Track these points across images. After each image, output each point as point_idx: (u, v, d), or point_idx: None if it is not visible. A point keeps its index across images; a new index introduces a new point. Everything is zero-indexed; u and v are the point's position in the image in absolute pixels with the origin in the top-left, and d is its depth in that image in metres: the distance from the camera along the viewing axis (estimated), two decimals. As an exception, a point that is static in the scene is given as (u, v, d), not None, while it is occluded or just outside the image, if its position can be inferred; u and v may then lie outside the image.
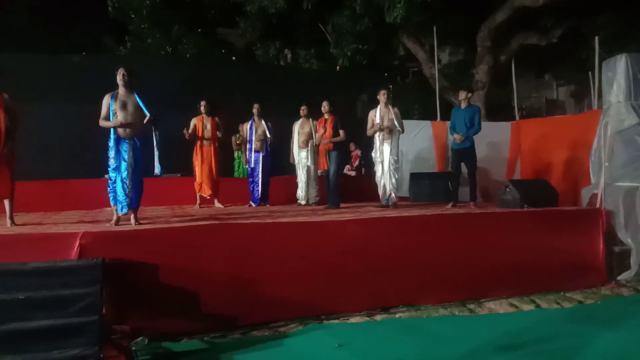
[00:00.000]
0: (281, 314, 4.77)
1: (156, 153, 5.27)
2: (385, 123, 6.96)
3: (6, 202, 5.28)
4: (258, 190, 7.96)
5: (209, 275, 4.57)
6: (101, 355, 3.52)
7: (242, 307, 4.67)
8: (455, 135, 7.15)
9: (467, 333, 4.46)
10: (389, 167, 6.98)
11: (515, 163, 9.97)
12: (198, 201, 7.89)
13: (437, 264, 5.39)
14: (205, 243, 4.66)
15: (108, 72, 5.47)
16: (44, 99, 8.78)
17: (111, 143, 5.11)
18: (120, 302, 4.19)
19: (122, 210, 5.08)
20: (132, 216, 5.14)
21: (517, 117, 10.76)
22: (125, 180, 5.08)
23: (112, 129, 5.07)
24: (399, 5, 11.14)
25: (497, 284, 5.58)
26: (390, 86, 9.69)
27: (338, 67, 12.66)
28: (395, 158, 7.03)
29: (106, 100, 5.13)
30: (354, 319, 4.88)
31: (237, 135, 9.68)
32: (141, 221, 5.20)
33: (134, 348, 3.97)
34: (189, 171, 8.14)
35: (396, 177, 7.04)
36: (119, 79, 5.18)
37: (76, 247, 4.14)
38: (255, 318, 4.69)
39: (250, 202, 8.05)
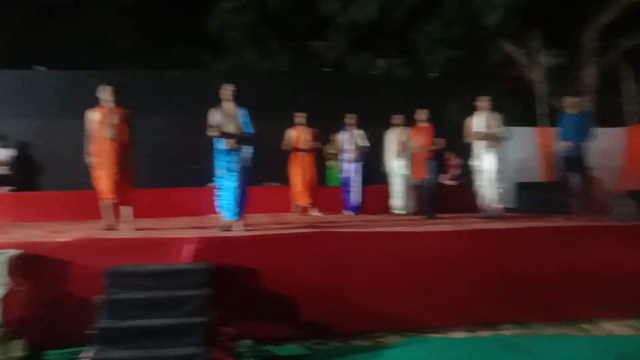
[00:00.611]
0: (380, 324, 4.73)
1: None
2: (483, 130, 6.70)
3: (126, 208, 5.72)
4: (352, 199, 7.99)
5: (310, 282, 4.64)
6: (210, 356, 3.66)
7: (341, 316, 4.69)
8: (564, 143, 6.71)
9: (582, 355, 4.13)
10: (493, 176, 6.69)
11: (630, 172, 9.18)
12: (295, 209, 8.07)
13: (546, 279, 5.07)
14: (306, 250, 4.74)
15: (209, 87, 5.79)
16: (152, 113, 9.43)
17: (219, 154, 5.39)
18: (227, 305, 4.35)
19: (229, 217, 5.33)
20: (239, 223, 5.36)
21: (629, 123, 9.92)
22: (232, 189, 5.32)
23: (219, 141, 5.34)
24: (499, 8, 10.74)
25: (615, 304, 5.12)
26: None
27: (430, 75, 12.44)
28: (499, 167, 6.72)
29: (213, 113, 5.41)
30: (456, 334, 4.71)
31: (329, 144, 9.81)
32: (246, 228, 5.40)
33: (239, 350, 4.10)
34: (284, 180, 8.37)
35: (501, 186, 6.73)
36: (227, 94, 5.46)
37: (188, 252, 4.39)
38: (354, 327, 4.69)
39: (345, 211, 8.09)
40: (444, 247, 5.02)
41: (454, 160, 10.49)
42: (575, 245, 5.24)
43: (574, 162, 6.72)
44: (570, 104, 6.87)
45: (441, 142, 7.19)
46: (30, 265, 4.29)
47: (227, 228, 5.33)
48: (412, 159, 7.61)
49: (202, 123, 5.55)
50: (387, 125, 8.12)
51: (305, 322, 4.57)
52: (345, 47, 14.11)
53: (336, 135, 8.67)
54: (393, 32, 13.80)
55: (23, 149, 9.62)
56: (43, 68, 9.96)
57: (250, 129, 5.42)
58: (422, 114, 7.33)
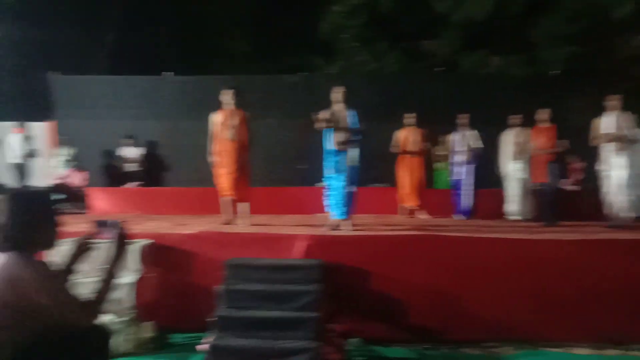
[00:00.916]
0: (493, 334, 4.53)
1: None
2: (612, 131, 6.15)
3: (243, 205, 6.05)
4: (463, 202, 7.73)
5: (419, 286, 4.57)
6: (321, 351, 3.74)
7: (451, 322, 4.56)
8: None
9: None
10: (623, 182, 6.12)
11: None
12: (401, 211, 8.00)
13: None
14: (415, 253, 4.68)
15: (319, 90, 5.92)
16: (266, 115, 9.86)
17: (327, 154, 5.51)
18: (335, 302, 4.43)
19: (339, 216, 5.42)
20: (347, 222, 5.43)
21: None
22: (340, 189, 5.41)
23: (328, 142, 5.47)
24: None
25: None
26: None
27: (550, 73, 11.63)
28: (632, 172, 6.12)
29: (324, 114, 5.54)
30: (578, 350, 4.38)
31: (439, 146, 9.59)
32: (354, 228, 5.46)
33: (348, 348, 4.15)
34: (391, 182, 8.33)
35: (632, 193, 6.12)
36: (338, 96, 5.57)
37: (299, 248, 4.55)
38: (465, 335, 4.53)
39: (454, 215, 7.86)
40: (567, 257, 4.69)
41: (576, 164, 9.72)
42: None
43: None
44: None
45: (564, 144, 6.72)
46: (159, 254, 4.69)
47: (335, 227, 5.43)
48: (531, 162, 7.18)
49: (312, 125, 5.71)
50: (502, 125, 7.75)
51: (414, 325, 4.52)
52: (458, 46, 13.68)
53: (447, 137, 8.44)
54: (509, 28, 13.12)
55: (151, 148, 10.54)
56: (170, 74, 10.83)
57: (357, 131, 5.48)
58: (543, 114, 6.89)
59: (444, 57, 15.24)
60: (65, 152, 9.99)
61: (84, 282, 2.25)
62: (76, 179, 9.50)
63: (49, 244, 2.22)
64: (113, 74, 12.73)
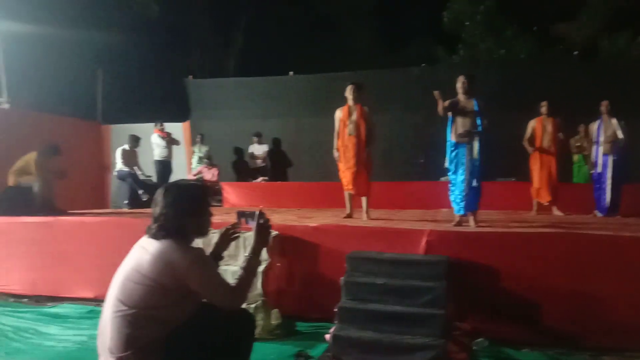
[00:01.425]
0: (638, 342, 4.06)
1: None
2: None
3: (363, 199, 6.10)
4: (606, 198, 7.02)
5: (552, 287, 4.23)
6: (446, 349, 3.64)
7: (589, 327, 4.16)
8: None
9: None
10: None
11: None
12: (535, 207, 7.48)
13: None
14: (548, 252, 4.34)
15: (443, 81, 5.70)
16: (386, 109, 9.78)
17: (450, 148, 5.31)
18: (461, 300, 4.27)
19: (459, 211, 5.23)
20: (471, 218, 5.22)
21: None
22: (462, 184, 5.20)
23: (449, 134, 5.28)
24: None
25: None
26: None
27: None
28: None
29: (447, 106, 5.34)
30: None
31: (577, 136, 8.84)
32: (480, 224, 5.22)
33: (474, 348, 3.99)
34: (523, 176, 7.82)
35: None
36: (459, 86, 5.34)
37: (423, 243, 4.45)
38: (605, 342, 4.10)
39: (596, 211, 7.16)
40: None
41: None
42: None
43: None
44: None
45: None
46: (284, 245, 4.90)
47: (458, 223, 5.23)
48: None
49: (435, 117, 5.54)
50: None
51: (548, 328, 4.20)
52: (597, 27, 12.39)
53: (585, 126, 7.71)
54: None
55: (275, 144, 11.05)
56: (291, 73, 11.24)
57: (479, 121, 5.20)
58: None
59: (582, 41, 13.95)
60: (199, 150, 10.86)
61: (230, 270, 2.43)
62: (208, 174, 10.31)
63: (202, 232, 2.43)
64: (241, 76, 13.58)
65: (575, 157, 9.20)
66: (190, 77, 11.86)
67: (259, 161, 10.83)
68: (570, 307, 4.20)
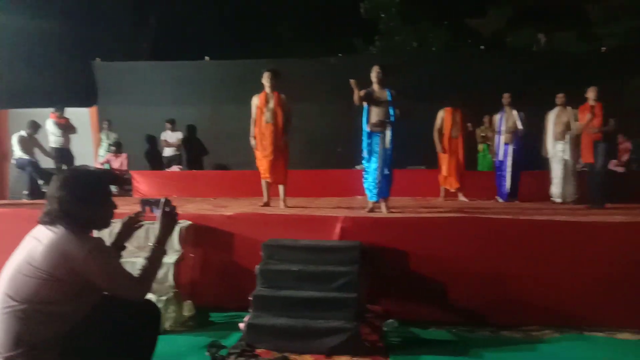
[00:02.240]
0: (534, 318, 4.40)
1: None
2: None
3: (280, 187, 6.10)
4: (506, 185, 7.52)
5: (458, 269, 4.49)
6: (359, 331, 3.74)
7: (491, 305, 4.46)
8: None
9: None
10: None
11: None
12: (442, 194, 7.86)
13: None
14: (454, 235, 4.59)
15: (360, 72, 5.81)
16: (306, 99, 9.80)
17: (364, 136, 5.44)
18: (373, 283, 4.41)
19: (372, 198, 5.38)
20: (383, 205, 5.39)
21: None
22: (375, 172, 5.35)
23: (364, 123, 5.40)
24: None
25: None
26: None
27: (604, 49, 11.05)
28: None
29: (363, 95, 5.45)
30: (623, 335, 4.20)
31: (482, 127, 9.35)
32: (391, 210, 5.40)
33: (385, 329, 4.14)
34: (432, 164, 8.18)
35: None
36: (374, 76, 5.47)
37: (337, 230, 4.54)
38: (505, 319, 4.42)
39: (497, 197, 7.66)
40: (614, 241, 4.48)
41: (624, 144, 9.30)
42: None
43: None
44: None
45: (612, 123, 6.39)
46: (199, 235, 4.79)
47: (371, 209, 5.39)
48: (578, 142, 6.89)
49: (350, 107, 5.65)
50: (550, 105, 7.44)
51: (453, 308, 4.45)
52: (504, 22, 13.18)
53: (490, 117, 8.19)
54: (561, 3, 12.53)
55: (190, 132, 10.71)
56: (207, 58, 10.92)
57: (392, 111, 5.37)
58: (591, 92, 6.58)
59: (490, 35, 14.78)
60: (106, 137, 10.29)
61: (138, 262, 2.31)
62: (116, 163, 9.82)
63: (102, 223, 2.29)
64: (155, 59, 13.01)
65: (480, 147, 9.75)
66: (98, 59, 11.16)
67: (172, 149, 10.46)
68: (474, 287, 4.47)
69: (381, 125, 5.35)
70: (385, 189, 5.38)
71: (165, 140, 10.38)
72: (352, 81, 5.35)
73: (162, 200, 2.43)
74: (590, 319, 4.35)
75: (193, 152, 10.68)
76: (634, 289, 4.35)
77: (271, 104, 5.98)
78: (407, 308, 4.41)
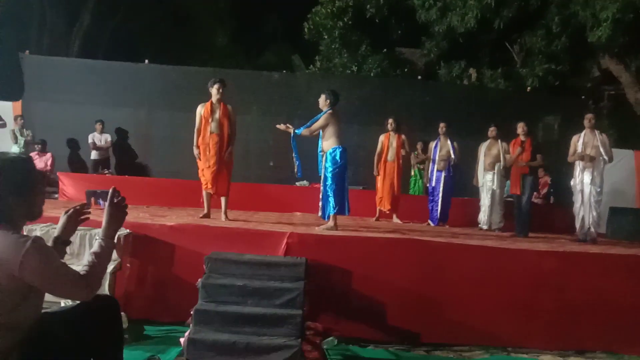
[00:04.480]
0: (465, 338, 4.63)
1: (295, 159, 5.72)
2: (588, 150, 6.41)
3: (222, 199, 6.00)
4: (437, 210, 7.87)
5: (396, 288, 4.63)
6: (301, 348, 3.75)
7: (426, 325, 4.64)
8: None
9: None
10: (590, 198, 6.39)
11: None
12: (377, 214, 8.08)
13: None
14: (394, 256, 4.74)
15: (298, 89, 5.91)
16: (245, 111, 9.77)
17: (320, 157, 5.59)
18: (315, 301, 4.44)
19: (323, 216, 5.48)
20: (327, 223, 5.46)
21: None
22: (323, 189, 5.47)
23: (319, 145, 5.55)
24: (605, 23, 10.19)
25: None
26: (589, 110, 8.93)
27: (529, 88, 11.99)
28: (598, 189, 6.40)
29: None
30: (545, 357, 4.52)
31: (416, 152, 9.74)
32: (332, 228, 5.48)
33: (325, 347, 4.17)
34: (370, 185, 8.41)
35: (597, 210, 6.40)
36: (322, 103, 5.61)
37: (283, 245, 4.54)
38: (438, 338, 4.61)
39: (429, 221, 7.99)
40: (537, 268, 4.83)
41: (544, 178, 10.06)
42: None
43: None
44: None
45: (539, 157, 6.90)
46: (137, 244, 4.60)
47: (319, 226, 5.46)
48: (507, 173, 7.37)
49: (292, 123, 5.76)
50: (481, 136, 7.91)
51: (391, 327, 4.57)
52: (437, 55, 13.93)
53: (424, 144, 8.57)
54: (490, 42, 13.47)
55: (120, 135, 10.25)
56: (146, 61, 10.61)
57: (300, 129, 5.55)
58: (522, 127, 7.08)
59: (424, 66, 15.54)
60: (20, 135, 9.55)
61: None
62: (40, 163, 9.19)
63: (33, 213, 2.06)
64: (86, 58, 12.42)
65: (413, 171, 10.14)
66: (27, 52, 10.49)
67: (99, 151, 9.90)
68: (411, 307, 4.63)
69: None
70: (330, 207, 5.46)
71: (93, 142, 9.83)
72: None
73: (110, 190, 2.24)
74: (515, 341, 4.64)
75: (122, 157, 10.22)
76: (555, 313, 4.70)
77: (217, 115, 5.90)
78: (348, 326, 4.47)
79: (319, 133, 5.58)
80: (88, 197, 2.28)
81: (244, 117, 9.39)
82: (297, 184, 8.70)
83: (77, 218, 2.33)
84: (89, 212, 2.38)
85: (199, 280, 4.13)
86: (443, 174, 7.90)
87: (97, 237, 2.18)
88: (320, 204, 5.57)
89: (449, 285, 4.70)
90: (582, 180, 6.51)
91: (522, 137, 7.04)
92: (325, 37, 14.20)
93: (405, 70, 14.40)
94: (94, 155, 9.91)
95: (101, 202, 2.28)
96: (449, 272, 4.75)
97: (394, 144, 7.98)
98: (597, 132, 6.48)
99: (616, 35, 10.64)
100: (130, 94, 10.51)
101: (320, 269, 4.53)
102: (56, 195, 8.69)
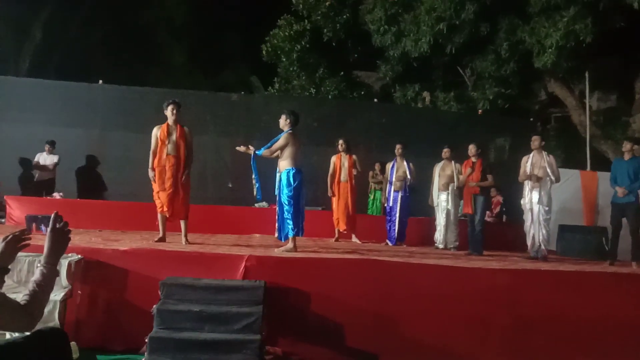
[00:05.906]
0: (423, 356, 4.66)
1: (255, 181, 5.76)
2: (536, 171, 6.69)
3: (182, 223, 5.89)
4: (395, 229, 7.97)
5: (355, 309, 4.64)
6: (260, 374, 3.69)
7: (385, 345, 4.65)
8: (618, 189, 6.60)
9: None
10: (539, 216, 6.64)
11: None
12: (336, 235, 8.11)
13: (597, 327, 4.92)
14: (354, 276, 4.76)
15: (257, 110, 5.94)
16: (201, 132, 9.64)
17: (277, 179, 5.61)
18: (275, 324, 4.40)
19: (279, 237, 5.46)
20: (286, 244, 5.44)
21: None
22: (281, 211, 5.47)
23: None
24: (549, 50, 10.75)
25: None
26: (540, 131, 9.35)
27: (480, 111, 12.44)
28: (546, 208, 6.66)
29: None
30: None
31: (375, 172, 9.88)
32: (292, 250, 5.47)
33: (284, 371, 4.12)
34: (329, 205, 8.46)
35: (547, 228, 6.65)
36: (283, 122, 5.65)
37: (241, 268, 4.48)
38: (397, 357, 4.64)
39: (387, 241, 8.08)
40: (491, 285, 4.95)
41: (496, 197, 10.39)
42: (629, 294, 5.08)
43: (626, 208, 6.59)
44: (625, 150, 6.77)
45: (490, 178, 7.13)
46: (89, 270, 4.45)
47: (277, 248, 5.44)
48: (461, 194, 7.57)
49: (252, 143, 5.78)
50: (436, 157, 8.12)
51: (350, 348, 4.56)
52: (392, 79, 14.28)
53: (381, 164, 8.69)
54: (442, 66, 13.93)
55: (72, 157, 9.88)
56: (100, 81, 10.37)
57: (260, 150, 5.60)
58: (472, 148, 7.30)
59: (380, 89, 15.89)
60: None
61: (18, 299, 2.04)
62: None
63: None
64: (36, 76, 12.04)
65: (372, 192, 10.26)
66: (-29, 69, 10.09)
67: (43, 173, 9.46)
68: (371, 328, 4.64)
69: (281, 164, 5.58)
70: (287, 229, 5.46)
71: (37, 162, 9.39)
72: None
73: (53, 215, 2.18)
74: (472, 357, 4.71)
75: (74, 179, 9.85)
76: (509, 329, 4.81)
77: (174, 136, 5.83)
78: (306, 349, 4.44)
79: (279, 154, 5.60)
80: (28, 222, 2.17)
81: (201, 138, 9.28)
82: (256, 205, 8.64)
83: (15, 245, 2.19)
84: (30, 239, 2.24)
85: (154, 306, 4.02)
86: (400, 194, 8.02)
87: (39, 265, 2.10)
88: (277, 225, 5.55)
89: (406, 304, 4.74)
90: (531, 199, 6.76)
91: (473, 159, 7.26)
92: (284, 59, 14.32)
93: (362, 92, 14.67)
94: (37, 176, 9.48)
95: (43, 227, 2.19)
96: (407, 292, 4.79)
97: (346, 164, 8.09)
98: (544, 153, 6.77)
99: (560, 61, 11.24)
100: (83, 114, 10.23)
101: (279, 292, 4.49)
102: (3, 220, 8.29)
